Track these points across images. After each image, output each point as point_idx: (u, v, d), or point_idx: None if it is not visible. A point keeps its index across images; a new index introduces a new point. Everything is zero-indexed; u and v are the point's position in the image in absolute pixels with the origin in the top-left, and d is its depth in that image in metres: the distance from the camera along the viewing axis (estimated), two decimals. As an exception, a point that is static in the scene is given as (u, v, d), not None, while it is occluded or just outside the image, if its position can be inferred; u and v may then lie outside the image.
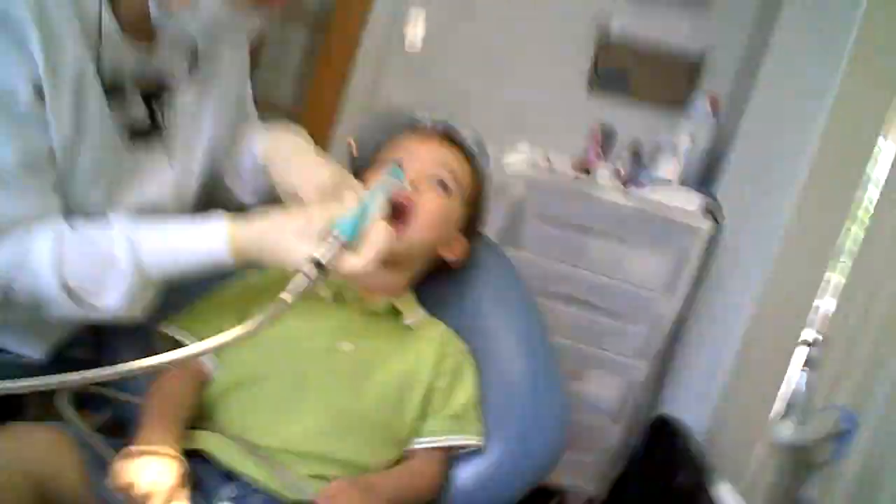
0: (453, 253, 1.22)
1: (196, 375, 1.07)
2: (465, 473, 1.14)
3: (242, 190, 1.24)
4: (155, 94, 1.05)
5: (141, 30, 1.01)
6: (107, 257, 0.94)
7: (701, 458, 2.11)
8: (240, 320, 1.02)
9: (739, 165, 2.42)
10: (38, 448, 0.86)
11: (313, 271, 0.89)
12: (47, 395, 0.98)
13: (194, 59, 1.11)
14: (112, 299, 0.94)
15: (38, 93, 0.88)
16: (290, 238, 0.95)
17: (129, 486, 0.82)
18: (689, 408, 2.47)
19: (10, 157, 0.87)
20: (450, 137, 1.23)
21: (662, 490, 2.09)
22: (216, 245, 0.96)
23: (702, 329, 2.46)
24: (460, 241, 1.22)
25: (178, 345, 1.00)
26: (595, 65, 2.62)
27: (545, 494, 2.32)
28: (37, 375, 1.02)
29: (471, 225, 1.25)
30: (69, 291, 0.91)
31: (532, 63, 2.69)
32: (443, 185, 1.15)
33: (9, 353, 1.07)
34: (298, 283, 0.88)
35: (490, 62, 2.70)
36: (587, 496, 2.33)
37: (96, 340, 1.16)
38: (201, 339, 0.98)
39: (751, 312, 2.40)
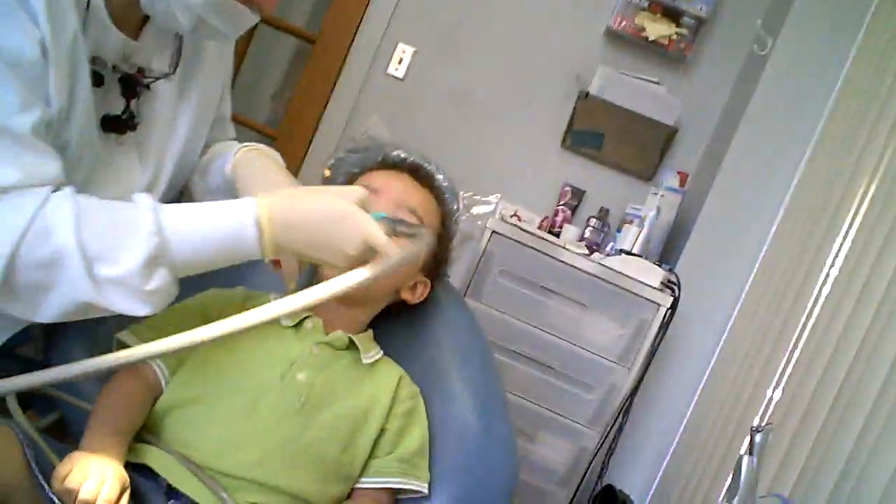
0: (414, 295, 1.22)
1: (148, 386, 1.04)
2: (410, 519, 1.12)
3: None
4: (133, 88, 1.04)
5: (128, 21, 1.01)
6: (127, 216, 0.88)
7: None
8: (205, 355, 1.02)
9: (701, 242, 2.48)
10: None
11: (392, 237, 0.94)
12: None
13: (177, 58, 1.10)
14: (128, 261, 0.86)
15: (45, 57, 0.87)
16: (328, 193, 0.96)
17: (70, 493, 0.81)
18: (636, 480, 2.48)
19: (28, 122, 0.84)
20: (422, 176, 1.25)
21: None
22: (245, 213, 0.91)
23: (653, 402, 2.48)
24: (423, 282, 1.23)
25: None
26: (571, 122, 2.67)
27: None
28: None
29: (435, 266, 1.25)
30: (85, 256, 0.84)
31: (510, 111, 2.74)
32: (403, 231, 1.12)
33: None
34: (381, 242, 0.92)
35: (471, 104, 2.75)
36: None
37: (45, 339, 1.12)
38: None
39: (701, 391, 2.45)
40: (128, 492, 0.86)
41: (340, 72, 2.76)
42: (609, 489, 2.33)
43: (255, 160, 1.17)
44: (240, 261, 0.93)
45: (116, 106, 1.03)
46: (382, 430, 1.11)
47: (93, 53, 0.96)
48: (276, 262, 1.07)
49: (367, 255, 0.93)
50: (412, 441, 1.13)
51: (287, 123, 2.82)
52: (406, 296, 1.22)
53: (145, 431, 1.01)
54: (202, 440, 0.99)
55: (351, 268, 0.92)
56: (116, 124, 1.03)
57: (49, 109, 0.88)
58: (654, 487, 2.46)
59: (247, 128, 3.07)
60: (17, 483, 0.83)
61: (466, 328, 1.29)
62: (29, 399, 1.01)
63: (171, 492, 0.95)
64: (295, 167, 2.77)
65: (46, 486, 0.82)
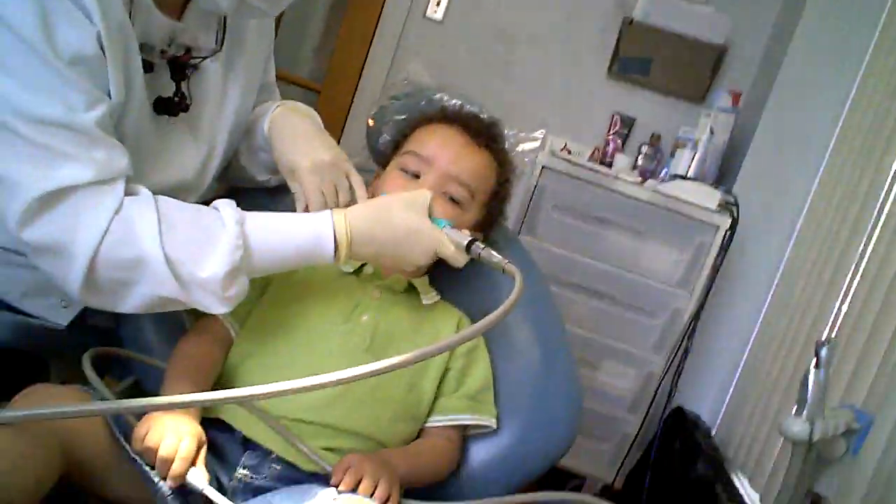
0: None
1: (220, 339, 1.09)
2: (479, 454, 1.16)
3: (257, 167, 1.27)
4: (182, 69, 1.07)
5: (170, 3, 1.03)
6: (212, 225, 0.93)
7: (717, 452, 2.14)
8: (263, 286, 1.10)
9: (757, 162, 2.44)
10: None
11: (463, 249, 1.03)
12: (71, 360, 1.00)
13: (222, 35, 1.12)
14: (214, 267, 0.91)
15: (102, 50, 0.89)
16: (401, 207, 1.02)
17: (150, 451, 0.85)
18: (705, 401, 2.50)
19: (93, 118, 0.87)
20: (475, 132, 1.20)
21: (679, 481, 2.12)
22: (322, 219, 0.98)
23: (717, 324, 2.48)
24: (474, 236, 1.18)
25: (197, 314, 1.01)
26: (616, 50, 2.63)
27: (564, 478, 2.35)
28: (60, 340, 1.08)
29: (488, 221, 1.24)
30: (168, 259, 0.89)
31: (553, 44, 2.71)
32: (454, 200, 1.15)
33: (36, 318, 1.08)
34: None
35: (511, 40, 2.72)
36: (604, 484, 2.36)
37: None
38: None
39: (766, 310, 2.44)
40: (205, 446, 0.90)
41: (379, 19, 2.75)
42: (679, 411, 2.36)
43: (290, 118, 1.20)
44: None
45: (167, 88, 1.06)
46: (446, 370, 1.14)
47: (140, 40, 0.98)
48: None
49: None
50: (476, 378, 1.16)
51: (330, 76, 2.85)
52: None
53: (220, 386, 1.05)
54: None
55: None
56: (169, 106, 1.06)
57: (111, 102, 0.91)
58: (724, 407, 2.48)
59: (291, 84, 3.11)
60: (100, 446, 0.88)
61: (522, 267, 1.29)
62: (105, 365, 1.05)
63: (248, 442, 0.99)
64: (341, 118, 2.80)
65: (128, 447, 0.87)
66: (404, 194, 1.06)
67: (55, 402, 0.85)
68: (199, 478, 0.86)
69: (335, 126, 2.81)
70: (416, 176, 1.14)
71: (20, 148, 0.85)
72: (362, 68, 2.79)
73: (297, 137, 1.17)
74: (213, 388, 1.04)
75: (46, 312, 1.08)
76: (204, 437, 0.91)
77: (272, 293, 1.13)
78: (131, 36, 0.94)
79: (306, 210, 1.10)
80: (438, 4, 2.73)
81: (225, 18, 1.12)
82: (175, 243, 0.90)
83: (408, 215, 1.02)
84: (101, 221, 0.87)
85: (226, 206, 0.95)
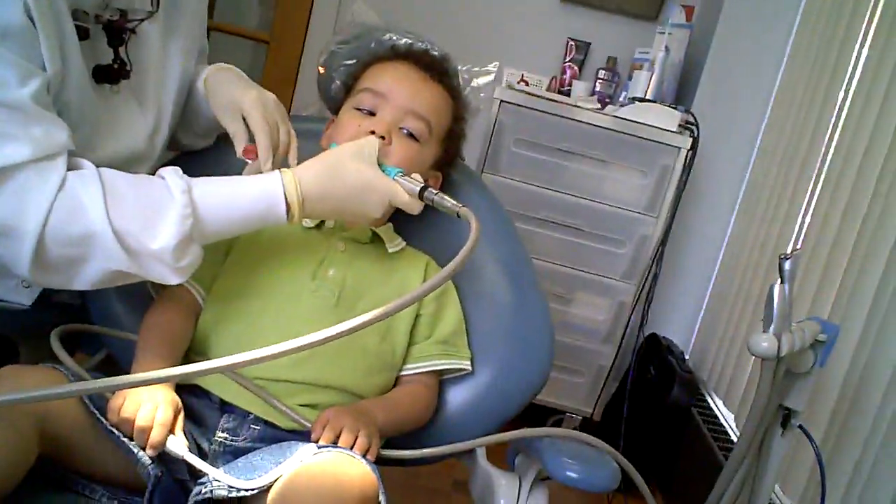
0: None
1: (187, 306, 1.09)
2: (457, 397, 1.18)
3: (191, 134, 1.26)
4: (118, 34, 1.03)
5: None
6: (160, 196, 0.91)
7: (692, 375, 2.19)
8: (227, 251, 1.10)
9: (714, 78, 2.45)
10: (37, 387, 0.86)
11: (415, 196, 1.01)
12: (40, 339, 1.00)
13: None
14: (164, 239, 0.90)
15: (32, 21, 0.86)
16: (351, 159, 1.01)
17: (127, 422, 0.86)
18: (677, 326, 2.56)
19: (27, 93, 0.85)
20: (428, 66, 1.19)
21: (656, 408, 2.18)
22: (272, 180, 0.97)
23: (685, 247, 2.52)
24: (434, 176, 1.22)
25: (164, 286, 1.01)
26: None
27: (544, 414, 2.40)
28: (26, 320, 1.07)
29: (446, 160, 1.24)
30: (117, 232, 0.88)
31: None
32: (412, 136, 1.14)
33: None
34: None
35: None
36: (583, 416, 2.42)
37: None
38: (193, 276, 1.00)
39: (731, 229, 2.47)
40: (181, 412, 0.91)
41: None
42: (652, 338, 2.41)
43: (225, 72, 1.19)
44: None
45: (105, 56, 1.03)
46: (417, 316, 1.15)
47: (72, 7, 0.95)
48: (249, 152, 1.08)
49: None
50: (448, 322, 1.17)
51: (277, 25, 2.78)
52: None
53: (192, 353, 1.06)
54: (247, 350, 1.03)
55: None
56: (109, 74, 1.03)
57: (46, 74, 0.89)
58: (696, 330, 2.54)
59: (239, 37, 3.03)
60: (77, 423, 0.88)
61: (486, 207, 1.30)
62: (75, 341, 1.06)
63: (225, 405, 1.00)
64: (293, 69, 2.75)
65: (104, 421, 0.87)
66: (350, 145, 1.04)
67: (28, 385, 0.86)
68: (178, 444, 0.87)
69: (287, 78, 2.76)
70: (372, 113, 1.14)
71: None
72: (310, 14, 2.73)
73: (238, 81, 1.16)
74: (186, 356, 1.05)
75: (7, 294, 1.08)
76: (180, 404, 0.92)
77: (235, 256, 1.13)
78: (61, 4, 0.91)
79: (248, 150, 1.07)
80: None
81: None
82: (122, 215, 0.88)
83: (358, 167, 1.01)
84: (46, 199, 0.85)
85: (172, 175, 0.94)
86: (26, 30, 0.86)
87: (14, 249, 0.86)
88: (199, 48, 1.24)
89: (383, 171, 1.03)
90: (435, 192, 1.01)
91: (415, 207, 1.02)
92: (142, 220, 0.90)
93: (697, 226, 2.52)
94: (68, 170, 0.89)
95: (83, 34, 0.97)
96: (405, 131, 1.13)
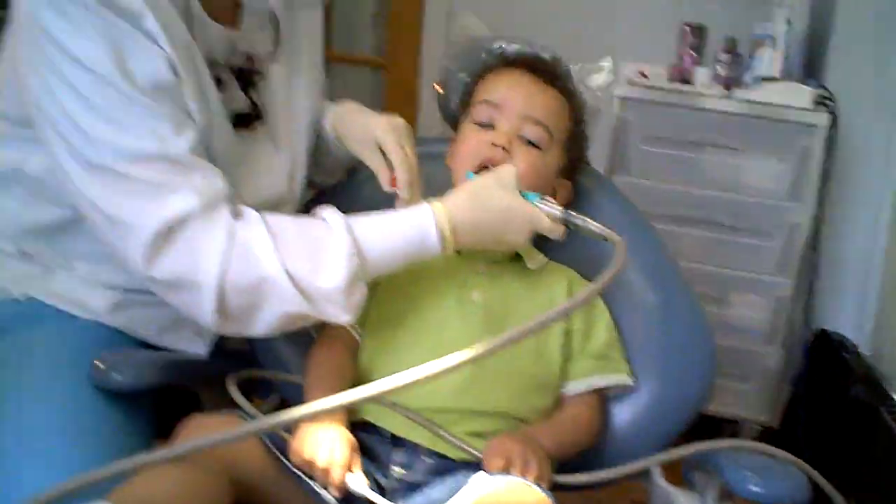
0: (558, 200, 1.19)
1: (347, 344, 1.13)
2: (621, 414, 1.15)
3: (322, 172, 1.30)
4: (248, 79, 1.09)
5: (222, 12, 1.05)
6: (324, 236, 0.96)
7: (872, 370, 2.02)
8: (375, 284, 1.09)
9: (845, 45, 2.28)
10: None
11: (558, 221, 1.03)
12: (217, 387, 1.06)
13: (277, 35, 1.13)
14: (336, 278, 0.94)
15: (177, 74, 0.92)
16: (494, 188, 1.02)
17: (309, 463, 0.91)
18: (847, 318, 2.37)
19: (185, 145, 0.91)
20: (542, 71, 1.20)
21: (836, 409, 2.03)
22: (423, 213, 0.99)
23: (841, 231, 2.34)
24: (563, 185, 1.22)
25: (321, 325, 1.09)
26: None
27: (718, 426, 2.27)
28: (204, 370, 1.15)
29: (572, 164, 1.23)
30: (290, 274, 0.92)
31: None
32: (533, 143, 1.14)
33: (175, 351, 1.15)
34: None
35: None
36: (760, 425, 2.27)
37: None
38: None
39: (890, 209, 2.27)
40: (357, 450, 0.96)
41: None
42: (822, 334, 2.25)
43: (349, 106, 1.24)
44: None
45: (239, 102, 1.08)
46: (569, 332, 1.14)
47: (205, 57, 1.00)
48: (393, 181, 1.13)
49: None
50: (600, 335, 1.16)
51: (391, 47, 2.85)
52: None
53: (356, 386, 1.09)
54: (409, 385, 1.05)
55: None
56: (246, 120, 1.09)
57: (197, 124, 0.94)
58: (872, 320, 2.33)
59: (355, 64, 3.12)
60: (263, 466, 0.93)
61: (620, 211, 1.28)
62: (250, 387, 1.11)
63: (396, 440, 1.03)
64: (412, 92, 2.81)
65: (287, 463, 0.92)
66: (489, 175, 1.07)
67: (212, 431, 0.89)
68: (358, 482, 0.92)
69: (408, 100, 2.82)
70: (490, 125, 1.15)
71: (124, 187, 0.89)
72: (421, 33, 2.78)
73: (365, 112, 1.21)
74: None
75: (184, 345, 1.15)
76: (355, 442, 0.96)
77: (382, 291, 1.15)
78: (198, 54, 0.97)
79: (392, 180, 1.11)
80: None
81: (277, 20, 1.14)
82: (292, 257, 0.93)
83: (501, 194, 1.03)
84: (219, 249, 0.90)
85: (332, 214, 0.98)
86: (174, 84, 0.91)
87: (196, 301, 0.92)
88: (320, 84, 1.29)
89: (524, 196, 1.04)
90: (577, 216, 1.03)
91: (557, 232, 1.04)
92: (311, 261, 0.93)
93: (851, 207, 2.34)
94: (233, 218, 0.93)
95: (217, 83, 1.02)
96: (525, 139, 1.13)
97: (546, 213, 1.04)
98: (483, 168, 1.11)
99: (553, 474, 0.98)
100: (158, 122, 0.90)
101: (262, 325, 0.96)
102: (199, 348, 1.16)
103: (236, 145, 1.07)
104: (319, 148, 1.26)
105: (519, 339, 0.77)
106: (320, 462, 0.90)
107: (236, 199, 1.01)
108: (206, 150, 0.97)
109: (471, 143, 1.15)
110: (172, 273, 0.91)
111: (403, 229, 0.99)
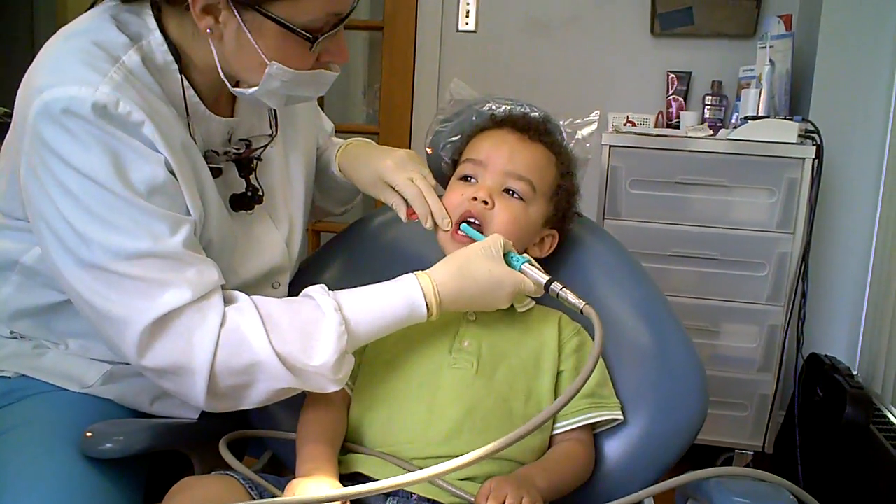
0: (543, 250, 1.22)
1: (340, 398, 1.11)
2: (614, 449, 1.14)
3: (333, 203, 1.37)
4: (247, 164, 1.12)
5: (220, 102, 1.08)
6: (314, 317, 0.97)
7: (864, 391, 2.04)
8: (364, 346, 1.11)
9: (828, 81, 2.35)
10: (214, 496, 0.92)
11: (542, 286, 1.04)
12: (209, 448, 1.06)
13: (274, 119, 1.17)
14: (324, 356, 0.95)
15: (174, 174, 0.95)
16: (481, 259, 1.04)
17: None
18: (838, 342, 2.40)
19: (179, 241, 0.93)
20: (525, 128, 1.20)
21: (830, 431, 2.04)
22: (411, 287, 1.01)
23: (829, 258, 2.39)
24: (550, 235, 1.22)
25: None
26: (654, 7, 2.59)
27: (713, 454, 2.29)
28: (193, 432, 1.13)
29: (559, 217, 1.23)
30: (280, 357, 0.93)
31: (589, 19, 2.69)
32: (516, 195, 1.15)
33: (166, 417, 1.15)
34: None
35: (547, 29, 2.72)
36: (754, 451, 2.28)
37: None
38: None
39: (878, 229, 2.32)
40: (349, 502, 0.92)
41: (416, 46, 2.80)
42: (813, 358, 2.27)
43: (356, 146, 1.28)
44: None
45: (238, 185, 1.11)
46: (559, 373, 1.13)
47: (204, 149, 1.04)
48: (413, 214, 1.15)
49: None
50: (591, 374, 1.14)
51: (384, 115, 2.90)
52: (534, 252, 1.21)
53: (349, 441, 1.09)
54: (397, 434, 1.05)
55: None
56: (245, 202, 1.11)
57: (191, 219, 0.96)
58: (859, 343, 2.37)
59: (350, 134, 3.15)
60: None
61: (609, 253, 1.29)
62: (242, 445, 1.12)
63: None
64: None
65: None
66: (477, 245, 1.07)
67: (205, 495, 0.91)
68: None
69: None
70: (475, 180, 1.16)
71: (119, 285, 0.91)
72: (412, 99, 2.83)
73: (371, 152, 1.24)
74: (345, 448, 1.08)
75: (176, 411, 1.14)
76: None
77: (374, 342, 1.13)
78: (194, 149, 1.00)
79: (410, 213, 1.15)
80: (468, 15, 2.74)
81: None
82: (283, 340, 0.94)
83: (488, 266, 1.04)
84: (211, 337, 0.92)
85: (321, 294, 0.99)
86: (170, 183, 0.94)
87: (188, 386, 0.93)
88: (317, 146, 1.32)
89: (511, 260, 1.07)
90: (560, 286, 1.04)
91: (541, 293, 1.06)
92: (301, 342, 0.95)
93: (838, 234, 2.38)
94: (225, 304, 0.95)
95: (216, 173, 1.05)
96: (509, 192, 1.15)
97: (531, 278, 1.05)
98: (465, 221, 1.12)
99: None
100: (154, 222, 0.91)
101: (251, 400, 0.97)
102: (191, 413, 1.15)
103: (236, 226, 1.09)
104: (329, 185, 1.30)
105: (514, 442, 0.85)
106: None
107: (232, 274, 1.05)
108: (202, 239, 1.00)
109: (454, 196, 1.15)
110: (165, 361, 0.92)
111: (392, 303, 1.01)
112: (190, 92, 1.01)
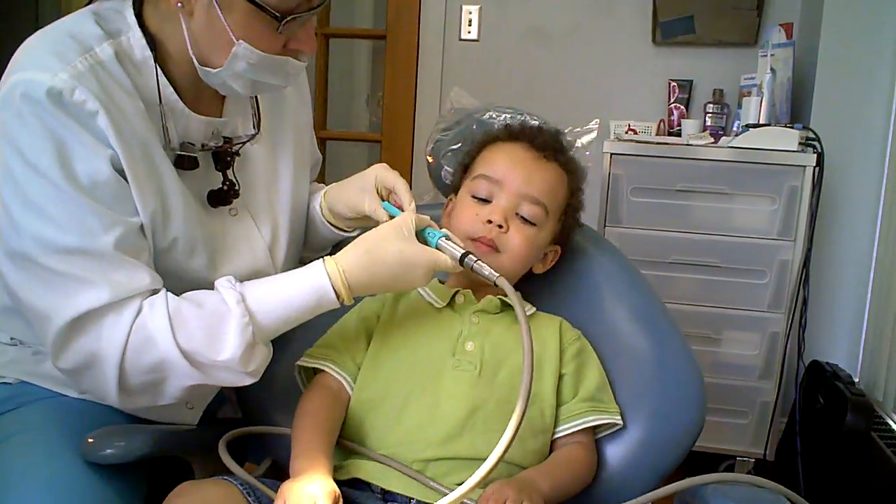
0: (545, 264, 1.23)
1: (336, 393, 1.11)
2: (613, 455, 1.15)
3: (310, 251, 1.33)
4: (224, 159, 1.11)
5: (209, 102, 1.09)
6: (218, 310, 0.97)
7: (865, 398, 2.04)
8: (367, 335, 1.14)
9: (828, 89, 2.35)
10: (212, 501, 0.92)
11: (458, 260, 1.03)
12: (210, 454, 1.06)
13: (257, 118, 1.17)
14: (229, 350, 0.95)
15: (121, 174, 0.95)
16: (391, 240, 1.03)
17: None
18: (839, 349, 2.40)
19: (111, 241, 0.93)
20: (542, 150, 1.19)
21: (831, 438, 2.04)
22: (318, 274, 1.01)
23: (830, 265, 2.39)
24: (553, 250, 1.23)
25: (310, 376, 1.12)
26: (655, 16, 2.60)
27: (715, 461, 2.28)
28: (194, 439, 1.14)
29: (565, 231, 1.24)
30: (186, 354, 0.94)
31: (590, 28, 2.70)
32: (529, 221, 1.15)
33: (165, 423, 1.15)
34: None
35: (549, 38, 2.73)
36: (756, 458, 2.28)
37: (238, 398, 1.24)
38: (337, 364, 1.11)
39: (878, 236, 2.32)
40: (341, 501, 0.92)
41: (418, 54, 2.82)
42: (814, 365, 2.27)
43: (331, 187, 1.28)
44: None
45: (216, 181, 1.11)
46: (560, 377, 1.14)
47: (182, 140, 1.04)
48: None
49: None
50: (591, 379, 1.16)
51: (387, 123, 2.91)
52: (537, 268, 1.22)
53: (348, 439, 1.09)
54: (398, 436, 1.05)
55: None
56: (221, 197, 1.11)
57: (135, 220, 0.96)
58: (861, 350, 2.37)
59: (355, 141, 3.18)
60: None
61: (610, 262, 1.30)
62: (243, 452, 1.12)
63: (387, 494, 1.01)
64: (407, 162, 2.88)
65: None
66: (387, 225, 1.06)
67: (204, 500, 0.92)
68: None
69: (402, 171, 2.82)
70: (489, 201, 1.16)
71: (43, 278, 0.91)
72: (415, 107, 2.84)
73: (351, 179, 1.24)
74: (339, 443, 1.08)
75: (176, 416, 1.14)
76: (338, 494, 0.93)
77: (377, 341, 1.16)
78: (157, 146, 1.00)
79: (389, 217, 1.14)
80: (470, 24, 2.76)
81: (258, 102, 1.17)
82: (189, 338, 0.94)
83: (399, 246, 1.03)
84: (121, 335, 0.93)
85: (226, 287, 0.99)
86: (114, 181, 0.94)
87: (100, 381, 0.95)
88: (311, 160, 1.31)
89: (427, 236, 1.06)
90: (475, 259, 1.04)
91: (457, 267, 1.05)
92: (207, 337, 0.96)
93: (840, 241, 2.38)
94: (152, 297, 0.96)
95: (192, 164, 1.05)
96: (521, 216, 1.15)
97: (447, 253, 1.04)
98: (475, 241, 1.12)
99: None
100: (89, 217, 0.91)
101: (167, 395, 0.98)
102: (189, 418, 1.16)
103: (215, 225, 1.09)
104: (307, 227, 1.29)
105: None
106: None
107: (212, 272, 1.06)
108: (164, 237, 1.00)
109: (468, 216, 1.15)
110: (78, 360, 0.93)
111: (300, 292, 1.00)
112: (164, 82, 1.01)
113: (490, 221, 1.12)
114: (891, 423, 2.05)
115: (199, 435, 1.14)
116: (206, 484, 0.97)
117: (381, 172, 1.18)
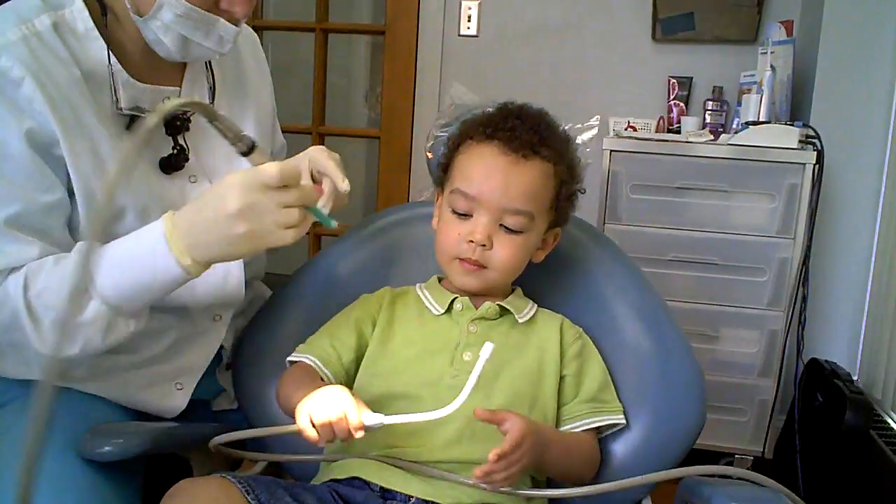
0: (545, 251, 1.20)
1: (314, 374, 1.10)
2: (615, 452, 1.15)
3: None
4: (174, 124, 1.10)
5: (167, 72, 1.10)
6: (66, 266, 0.96)
7: (863, 396, 2.04)
8: (358, 337, 1.14)
9: (828, 87, 2.35)
10: (210, 499, 0.91)
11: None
12: (208, 452, 1.07)
13: (212, 83, 1.17)
14: (59, 301, 0.93)
15: (36, 147, 0.95)
16: (220, 187, 0.94)
17: (324, 426, 0.90)
18: (838, 347, 2.40)
19: (2, 216, 0.93)
20: (520, 148, 1.10)
21: (830, 436, 2.04)
22: (153, 232, 0.95)
23: (829, 263, 2.39)
24: (552, 234, 1.18)
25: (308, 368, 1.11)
26: (655, 12, 2.60)
27: (713, 458, 2.28)
28: (191, 435, 1.12)
29: (562, 216, 1.18)
30: (31, 310, 0.93)
31: (590, 25, 2.69)
32: (513, 230, 1.09)
33: (158, 418, 1.16)
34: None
35: (548, 34, 2.72)
36: (754, 456, 2.28)
37: (234, 389, 1.25)
38: (324, 360, 1.11)
39: (878, 234, 2.32)
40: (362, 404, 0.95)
41: (417, 50, 2.81)
42: (813, 363, 2.27)
43: None
44: (170, 281, 0.96)
45: (167, 146, 1.11)
46: (562, 378, 1.13)
47: (131, 104, 1.05)
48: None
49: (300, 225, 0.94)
50: (593, 378, 1.15)
51: (385, 119, 2.90)
52: (537, 257, 1.19)
53: (350, 447, 1.07)
54: (397, 438, 1.04)
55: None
56: (172, 163, 1.10)
57: (46, 198, 0.96)
58: (860, 349, 2.37)
59: (353, 137, 3.17)
60: None
61: (610, 258, 1.30)
62: (241, 450, 1.12)
63: (386, 492, 1.01)
64: (406, 158, 2.87)
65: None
66: (237, 174, 0.93)
67: (202, 497, 0.92)
68: (375, 417, 0.93)
69: (401, 167, 2.87)
70: (469, 215, 1.11)
71: None
72: (413, 103, 2.83)
73: (286, 161, 1.20)
74: (342, 451, 1.08)
75: (165, 398, 1.15)
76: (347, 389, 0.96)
77: (373, 350, 1.15)
78: (88, 112, 0.99)
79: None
80: (470, 20, 2.75)
81: (213, 73, 1.18)
82: (36, 292, 0.94)
83: (217, 184, 0.95)
84: None
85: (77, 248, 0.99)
86: (22, 156, 0.94)
87: None
88: (274, 145, 1.33)
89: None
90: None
91: (266, 158, 0.97)
92: (53, 292, 0.94)
93: (839, 239, 2.38)
94: None
95: (134, 120, 1.06)
96: (506, 227, 1.10)
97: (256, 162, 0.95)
98: (461, 261, 1.10)
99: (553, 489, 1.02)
100: None
101: (35, 364, 1.00)
102: (178, 400, 1.16)
103: (172, 190, 1.09)
104: None
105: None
106: (332, 417, 0.89)
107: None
108: (114, 205, 1.00)
109: (450, 237, 1.11)
110: None
111: (134, 238, 0.96)
112: (102, 46, 1.01)
113: (472, 242, 1.08)
114: (889, 421, 2.05)
115: (197, 432, 1.13)
116: (205, 481, 0.96)
117: (314, 154, 1.18)
